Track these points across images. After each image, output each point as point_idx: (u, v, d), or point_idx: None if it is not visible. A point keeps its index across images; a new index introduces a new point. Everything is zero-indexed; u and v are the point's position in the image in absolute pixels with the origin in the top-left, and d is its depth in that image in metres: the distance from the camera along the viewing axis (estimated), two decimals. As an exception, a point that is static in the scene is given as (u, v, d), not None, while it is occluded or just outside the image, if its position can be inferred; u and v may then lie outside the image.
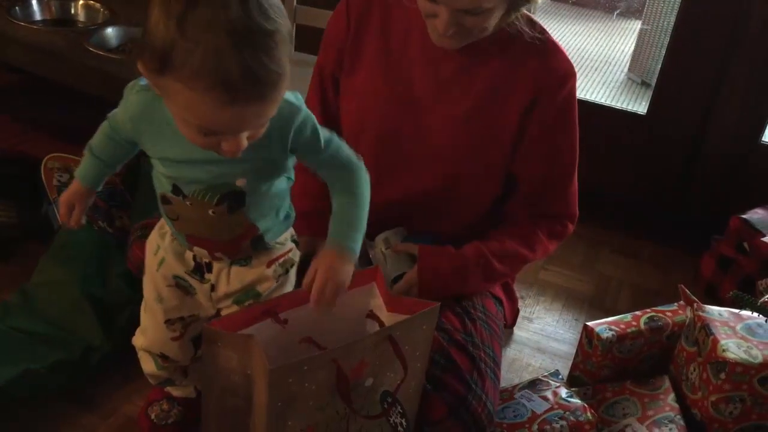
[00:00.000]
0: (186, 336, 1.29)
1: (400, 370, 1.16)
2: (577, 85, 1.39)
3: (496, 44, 1.32)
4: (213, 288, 1.23)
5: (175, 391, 1.42)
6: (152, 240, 1.26)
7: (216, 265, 1.21)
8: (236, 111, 0.90)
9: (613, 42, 4.45)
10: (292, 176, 1.17)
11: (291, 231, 1.25)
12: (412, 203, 1.42)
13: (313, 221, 1.36)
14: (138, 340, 1.32)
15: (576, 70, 1.37)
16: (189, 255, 1.22)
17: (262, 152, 1.05)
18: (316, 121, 1.11)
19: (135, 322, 1.59)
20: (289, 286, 1.25)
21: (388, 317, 1.23)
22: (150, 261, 1.26)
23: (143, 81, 1.05)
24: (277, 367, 1.03)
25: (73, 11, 2.53)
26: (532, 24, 1.33)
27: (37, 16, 2.47)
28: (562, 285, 2.14)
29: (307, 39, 2.34)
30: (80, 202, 1.25)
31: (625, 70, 3.96)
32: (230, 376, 1.14)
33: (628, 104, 3.61)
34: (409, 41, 1.37)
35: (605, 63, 4.12)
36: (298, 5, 2.29)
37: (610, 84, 3.87)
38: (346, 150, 1.16)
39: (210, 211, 1.10)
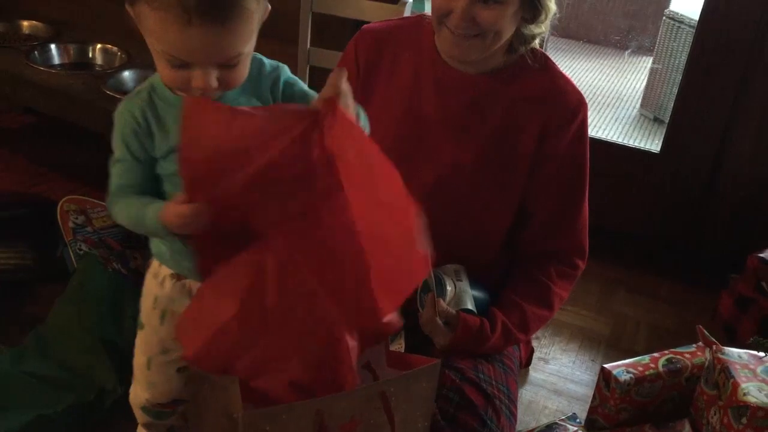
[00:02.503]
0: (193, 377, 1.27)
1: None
2: (590, 121, 1.39)
3: (505, 77, 1.35)
4: None
5: None
6: (149, 291, 1.21)
7: None
8: (195, 34, 0.94)
9: (625, 78, 4.47)
10: None
11: None
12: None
13: None
14: (139, 397, 1.29)
15: (588, 102, 1.38)
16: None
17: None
18: (302, 83, 1.13)
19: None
20: None
21: (385, 373, 1.16)
22: (149, 316, 1.22)
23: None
24: (251, 412, 0.98)
25: (90, 55, 2.58)
26: (535, 52, 1.36)
27: (56, 60, 2.51)
28: (577, 325, 2.11)
29: (321, 80, 2.36)
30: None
31: (638, 106, 3.97)
32: (219, 419, 1.10)
33: (640, 140, 3.61)
34: (421, 78, 1.38)
35: (617, 99, 4.13)
36: (312, 47, 2.32)
37: (622, 120, 3.88)
38: None
39: None
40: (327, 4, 2.26)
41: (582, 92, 1.38)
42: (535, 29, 1.31)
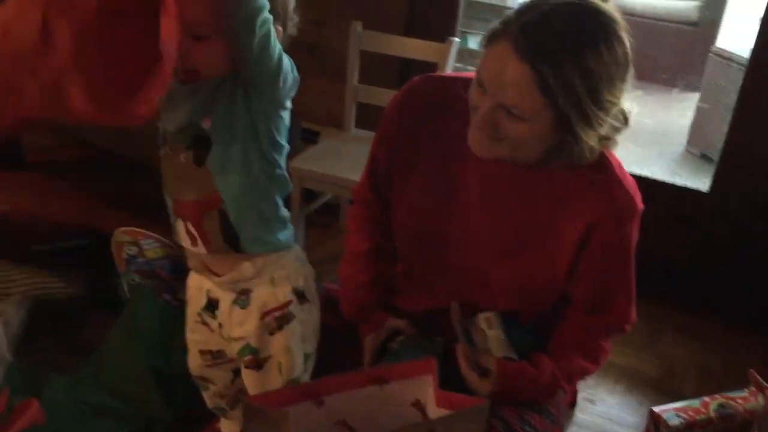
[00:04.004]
0: (218, 367, 1.37)
1: None
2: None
3: (550, 174, 1.26)
4: (221, 326, 1.29)
5: (224, 428, 1.47)
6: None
7: (221, 304, 1.26)
8: None
9: (671, 115, 4.43)
10: (277, 170, 1.19)
11: (294, 279, 1.25)
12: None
13: (368, 291, 1.40)
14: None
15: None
16: (203, 290, 1.29)
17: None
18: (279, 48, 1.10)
19: (196, 394, 1.62)
20: (295, 345, 1.25)
21: (434, 411, 1.15)
22: (188, 299, 1.36)
23: None
24: None
25: (145, 89, 2.65)
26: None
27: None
28: (623, 365, 2.08)
29: (367, 116, 2.40)
30: None
31: (684, 143, 3.92)
32: None
33: (687, 178, 3.57)
34: (466, 154, 1.29)
35: (663, 135, 4.09)
36: (359, 84, 2.36)
37: (668, 157, 3.84)
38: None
39: (181, 156, 1.15)
40: (375, 42, 2.30)
41: (638, 195, 1.27)
42: (578, 150, 1.17)
